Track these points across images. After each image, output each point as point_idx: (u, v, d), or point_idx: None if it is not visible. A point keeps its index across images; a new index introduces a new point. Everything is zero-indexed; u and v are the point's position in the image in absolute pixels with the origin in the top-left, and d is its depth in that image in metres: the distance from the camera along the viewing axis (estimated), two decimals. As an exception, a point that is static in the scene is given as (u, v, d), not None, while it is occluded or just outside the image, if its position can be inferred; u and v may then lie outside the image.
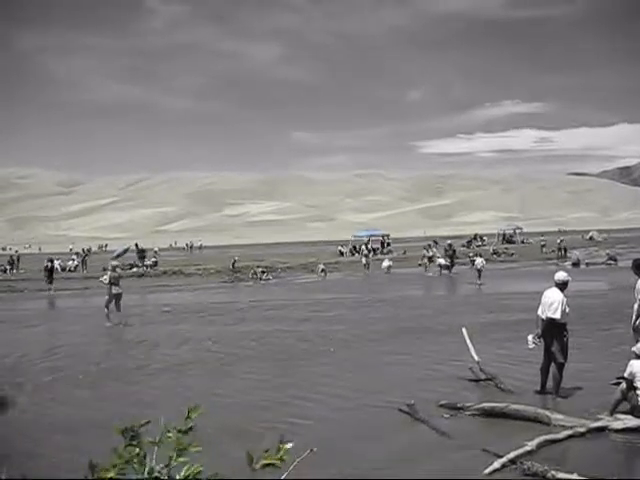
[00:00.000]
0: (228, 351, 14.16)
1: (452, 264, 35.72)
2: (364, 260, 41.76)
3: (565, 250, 46.63)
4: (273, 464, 1.75)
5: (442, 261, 35.72)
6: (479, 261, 29.75)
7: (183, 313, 21.29)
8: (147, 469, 1.69)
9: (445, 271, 35.11)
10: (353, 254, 52.94)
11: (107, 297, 19.33)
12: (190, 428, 1.79)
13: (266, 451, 1.77)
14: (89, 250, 64.98)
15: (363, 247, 49.41)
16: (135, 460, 1.69)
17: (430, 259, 37.12)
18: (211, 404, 9.30)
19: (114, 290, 19.16)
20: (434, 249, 40.73)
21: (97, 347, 15.49)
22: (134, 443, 1.72)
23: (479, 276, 28.75)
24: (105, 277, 20.16)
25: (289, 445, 1.79)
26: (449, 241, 40.34)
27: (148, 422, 1.78)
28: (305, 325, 17.87)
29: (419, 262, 40.04)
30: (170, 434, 1.76)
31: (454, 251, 37.45)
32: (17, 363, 13.70)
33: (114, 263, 20.76)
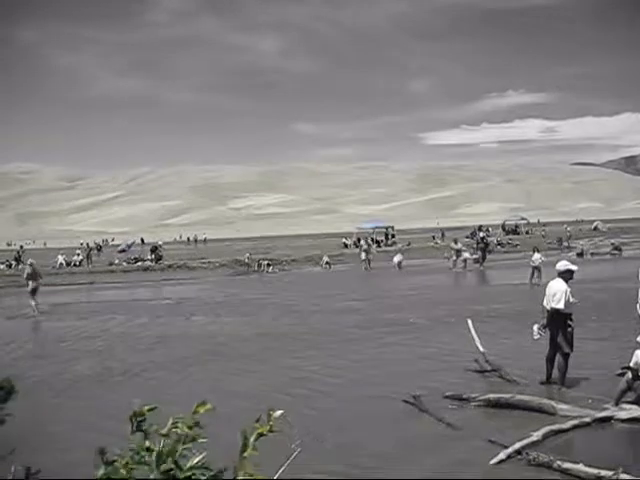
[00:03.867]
0: (234, 344, 14.22)
1: (484, 257, 33.62)
2: (363, 255, 36.80)
3: (569, 240, 46.56)
4: (264, 434, 1.83)
5: (467, 254, 33.27)
6: (537, 257, 24.33)
7: (193, 307, 21.43)
8: (155, 457, 1.75)
9: (476, 265, 32.92)
10: (358, 246, 52.76)
11: (29, 290, 21.33)
12: (197, 423, 1.85)
13: (257, 421, 1.85)
14: (99, 245, 63.91)
15: (362, 242, 42.51)
16: (145, 451, 1.75)
17: (458, 252, 33.46)
18: (218, 396, 9.35)
19: (31, 285, 21.32)
20: (458, 243, 36.09)
21: (103, 341, 15.55)
22: (142, 429, 1.79)
23: (537, 274, 23.82)
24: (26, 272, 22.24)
25: (278, 413, 1.86)
26: (482, 233, 38.91)
27: (155, 407, 1.85)
28: (313, 317, 17.91)
29: (446, 255, 37.29)
30: (178, 427, 1.82)
31: (486, 244, 35.33)
32: (25, 358, 13.81)
33: (30, 260, 23.41)
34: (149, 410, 1.84)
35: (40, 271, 22.63)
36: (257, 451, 1.78)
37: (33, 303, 21.17)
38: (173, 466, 1.75)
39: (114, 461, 1.73)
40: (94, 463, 1.76)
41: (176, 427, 1.81)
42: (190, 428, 1.82)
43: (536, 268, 24.06)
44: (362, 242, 41.80)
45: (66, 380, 11.51)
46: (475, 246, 35.59)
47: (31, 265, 22.43)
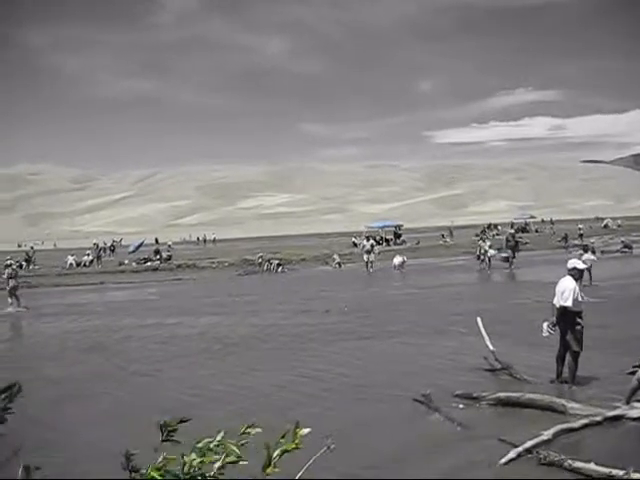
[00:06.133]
0: (243, 344, 14.25)
1: (514, 256, 31.36)
2: (366, 257, 34.35)
3: (581, 237, 46.40)
4: (289, 450, 1.78)
5: (492, 251, 31.67)
6: (587, 257, 20.53)
7: (202, 306, 21.48)
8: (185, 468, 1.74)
9: (505, 264, 30.86)
10: (356, 245, 52.37)
11: (8, 289, 23.21)
12: (244, 444, 1.83)
13: (282, 437, 1.80)
14: (113, 246, 63.60)
15: (364, 242, 39.87)
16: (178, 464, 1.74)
17: (486, 251, 31.48)
18: (227, 397, 9.39)
19: (11, 283, 23.35)
20: (487, 242, 34.16)
21: (112, 341, 15.62)
22: (171, 439, 1.77)
23: (589, 276, 20.31)
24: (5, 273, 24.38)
25: (305, 431, 1.81)
26: (511, 230, 37.16)
27: (188, 420, 1.82)
28: (322, 317, 17.89)
29: (477, 253, 33.59)
30: (222, 445, 1.80)
31: (517, 242, 33.55)
32: (37, 358, 13.88)
33: (10, 261, 27.02)
34: (180, 422, 1.83)
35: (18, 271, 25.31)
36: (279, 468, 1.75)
37: (10, 301, 22.85)
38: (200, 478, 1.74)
39: (139, 469, 1.72)
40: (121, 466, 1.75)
41: (220, 444, 1.79)
42: (238, 448, 1.80)
43: (587, 270, 18.33)
44: (364, 242, 39.71)
45: (72, 380, 11.56)
46: (504, 244, 33.28)
47: (10, 266, 25.01)
